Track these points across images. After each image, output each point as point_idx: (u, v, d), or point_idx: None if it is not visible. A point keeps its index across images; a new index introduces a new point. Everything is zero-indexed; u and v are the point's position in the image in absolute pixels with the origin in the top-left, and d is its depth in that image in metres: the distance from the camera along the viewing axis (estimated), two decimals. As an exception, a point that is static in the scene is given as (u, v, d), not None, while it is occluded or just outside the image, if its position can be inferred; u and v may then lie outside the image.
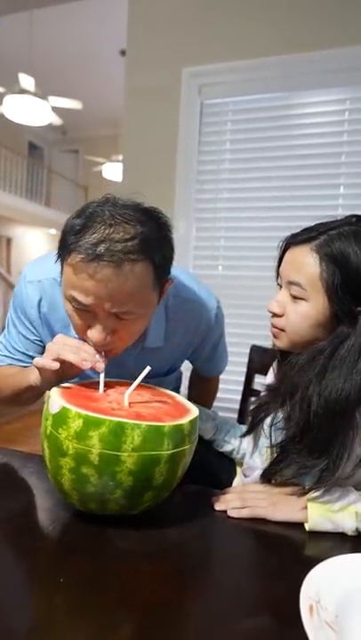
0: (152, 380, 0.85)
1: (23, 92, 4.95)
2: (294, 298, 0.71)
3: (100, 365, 0.69)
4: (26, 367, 0.90)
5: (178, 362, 1.01)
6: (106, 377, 0.71)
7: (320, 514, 0.65)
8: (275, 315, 0.74)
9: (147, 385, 0.75)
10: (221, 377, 1.25)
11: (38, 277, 0.87)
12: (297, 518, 0.67)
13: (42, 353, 0.87)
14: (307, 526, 0.66)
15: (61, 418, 0.58)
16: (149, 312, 0.75)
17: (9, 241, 9.21)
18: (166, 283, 0.76)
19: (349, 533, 0.64)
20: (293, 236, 0.73)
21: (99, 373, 0.70)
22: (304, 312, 0.70)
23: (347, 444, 0.66)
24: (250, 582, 0.54)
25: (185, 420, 0.62)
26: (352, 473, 0.67)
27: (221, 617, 0.46)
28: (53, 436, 0.59)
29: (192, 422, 0.63)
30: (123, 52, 5.47)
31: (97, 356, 0.70)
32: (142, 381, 0.69)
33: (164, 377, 0.97)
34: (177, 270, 0.87)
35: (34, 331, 0.90)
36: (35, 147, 9.89)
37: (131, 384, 0.68)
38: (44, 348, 0.90)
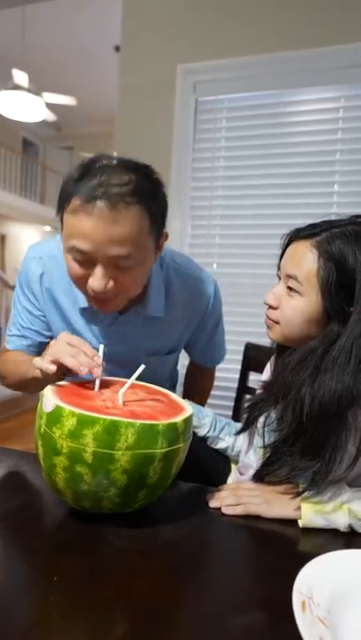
0: (154, 359, 0.94)
1: (17, 87, 4.92)
2: (290, 291, 0.72)
3: (97, 370, 0.68)
4: (32, 345, 0.99)
5: (179, 341, 1.04)
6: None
7: (313, 510, 0.66)
8: (270, 307, 0.75)
9: (141, 383, 0.75)
10: (216, 374, 1.25)
11: (40, 254, 0.94)
12: (291, 515, 0.67)
13: (45, 328, 0.99)
14: (300, 523, 0.66)
15: (55, 417, 0.58)
16: (147, 260, 0.78)
17: (3, 238, 9.16)
18: (162, 237, 0.82)
19: (342, 529, 0.65)
20: (298, 230, 0.74)
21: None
22: (298, 306, 0.70)
23: (340, 446, 0.66)
24: (244, 579, 0.54)
25: (179, 419, 0.62)
26: (345, 475, 0.67)
27: (215, 613, 0.47)
28: (47, 435, 0.59)
29: (186, 421, 0.63)
30: (117, 48, 5.43)
31: (95, 358, 0.69)
32: (137, 378, 0.69)
33: (165, 356, 1.01)
34: (175, 252, 0.97)
35: (37, 305, 0.97)
36: (29, 143, 9.83)
37: (125, 382, 0.68)
38: (48, 324, 0.98)
